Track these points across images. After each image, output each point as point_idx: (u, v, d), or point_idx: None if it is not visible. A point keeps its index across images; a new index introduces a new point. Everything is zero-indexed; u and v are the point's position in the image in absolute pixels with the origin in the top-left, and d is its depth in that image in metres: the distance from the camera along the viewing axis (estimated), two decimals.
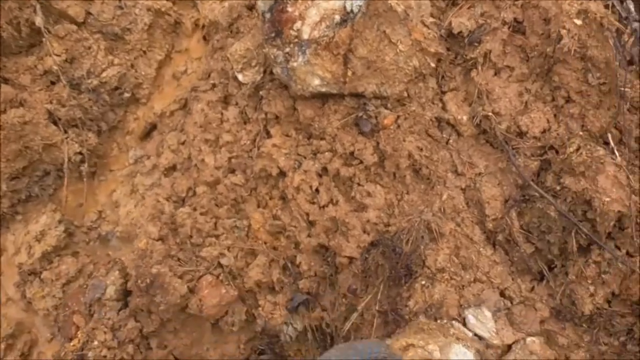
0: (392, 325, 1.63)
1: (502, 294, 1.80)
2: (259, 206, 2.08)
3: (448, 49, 2.00)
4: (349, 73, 1.85)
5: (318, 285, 2.00)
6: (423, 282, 1.67)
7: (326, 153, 1.97)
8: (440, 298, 1.61)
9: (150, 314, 1.80)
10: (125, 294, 1.88)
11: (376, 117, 1.92)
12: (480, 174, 1.88)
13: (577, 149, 1.69)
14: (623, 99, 1.68)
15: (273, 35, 1.90)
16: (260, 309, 1.91)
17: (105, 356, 1.78)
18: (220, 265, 1.91)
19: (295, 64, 1.87)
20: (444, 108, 1.95)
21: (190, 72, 2.44)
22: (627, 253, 1.64)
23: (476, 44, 1.92)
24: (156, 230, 1.88)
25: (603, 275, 1.65)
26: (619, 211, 1.62)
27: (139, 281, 1.71)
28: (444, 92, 1.99)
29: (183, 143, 2.24)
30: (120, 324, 1.81)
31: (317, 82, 1.88)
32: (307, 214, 2.00)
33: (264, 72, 2.10)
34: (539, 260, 1.83)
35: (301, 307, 1.95)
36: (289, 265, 2.00)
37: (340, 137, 1.95)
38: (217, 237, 1.97)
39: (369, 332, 1.79)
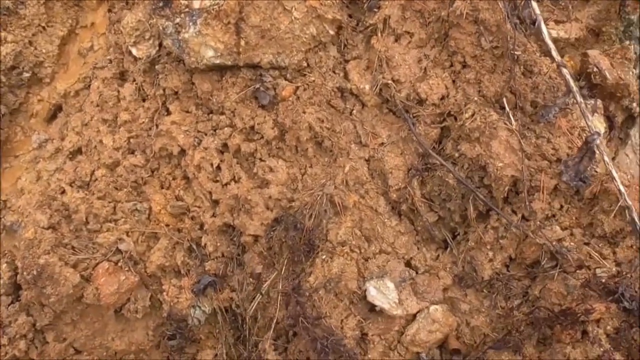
0: (294, 306, 1.59)
1: (407, 264, 1.80)
2: (162, 187, 1.99)
3: (350, 16, 1.93)
4: (242, 43, 1.77)
5: (225, 266, 1.94)
6: (324, 257, 1.63)
7: (226, 128, 1.89)
8: (339, 271, 1.58)
9: (42, 307, 1.71)
10: (16, 288, 1.77)
11: (274, 89, 1.85)
12: (383, 144, 1.85)
13: (472, 115, 1.67)
14: (516, 62, 1.66)
15: (161, 4, 1.79)
16: (165, 293, 1.84)
17: None
18: (119, 251, 1.82)
19: (186, 35, 1.78)
20: (346, 77, 1.89)
21: (97, 48, 2.28)
22: (523, 217, 1.65)
23: (375, 10, 1.87)
24: (45, 218, 1.77)
25: (500, 241, 1.66)
26: (512, 176, 1.62)
27: (25, 273, 1.61)
28: (346, 61, 1.93)
29: (86, 124, 2.11)
30: (10, 320, 1.70)
31: (210, 53, 1.79)
32: (210, 193, 1.93)
33: (159, 45, 1.99)
34: (443, 229, 1.82)
35: (209, 289, 1.89)
36: (194, 247, 1.93)
37: (240, 111, 1.87)
38: (115, 221, 1.88)
39: (274, 311, 1.75)
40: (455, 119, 1.74)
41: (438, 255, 1.81)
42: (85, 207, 1.85)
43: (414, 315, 1.69)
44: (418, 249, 1.83)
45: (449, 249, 1.81)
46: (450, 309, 1.70)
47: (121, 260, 1.82)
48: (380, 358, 1.63)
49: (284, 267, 1.76)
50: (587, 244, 1.46)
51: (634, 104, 1.86)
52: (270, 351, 1.75)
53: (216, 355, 1.98)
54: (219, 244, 1.90)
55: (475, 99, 1.71)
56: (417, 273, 1.76)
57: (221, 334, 1.97)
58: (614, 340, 1.25)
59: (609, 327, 1.28)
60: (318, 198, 1.77)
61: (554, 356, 1.32)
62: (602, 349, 1.23)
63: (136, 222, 1.89)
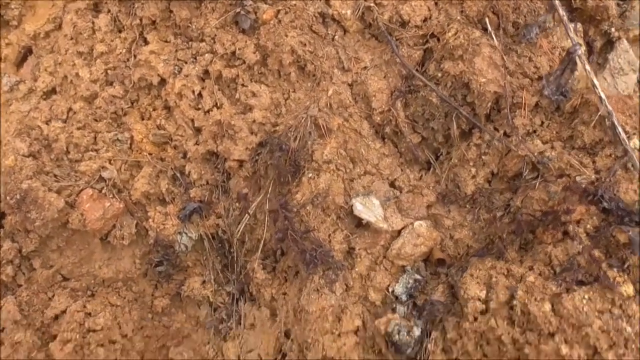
0: (282, 221, 1.60)
1: (391, 185, 1.82)
2: (142, 118, 1.98)
3: None
4: None
5: (210, 194, 1.94)
6: (310, 175, 1.65)
7: (206, 55, 1.87)
8: (326, 187, 1.60)
9: (27, 233, 1.69)
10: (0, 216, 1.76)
11: (255, 13, 1.83)
12: (366, 67, 1.85)
13: (455, 33, 1.68)
14: None
15: None
16: (150, 220, 1.84)
17: None
18: (102, 178, 1.81)
19: None
20: (327, 3, 1.87)
21: None
22: (505, 134, 1.68)
23: None
24: (25, 146, 1.74)
25: (483, 157, 1.69)
26: (495, 92, 1.64)
27: (8, 198, 1.59)
28: None
29: (60, 63, 2.06)
30: None
31: None
32: (193, 121, 1.92)
33: None
34: (426, 150, 1.85)
35: (194, 215, 1.90)
36: (178, 175, 1.92)
37: (220, 37, 1.85)
38: (97, 151, 1.87)
39: (262, 232, 1.77)
40: (438, 40, 1.75)
41: (421, 176, 1.84)
42: (65, 137, 1.82)
43: (399, 232, 1.72)
44: (402, 170, 1.85)
45: (432, 169, 1.84)
46: (434, 225, 1.73)
47: (105, 188, 1.81)
48: (367, 272, 1.66)
49: (270, 189, 1.77)
50: (567, 155, 1.50)
51: (613, 29, 1.89)
52: (259, 270, 1.78)
53: (204, 282, 2.00)
54: (203, 172, 1.90)
55: (458, 18, 1.72)
56: (400, 192, 1.78)
57: (208, 261, 1.99)
58: (594, 238, 1.30)
59: (588, 226, 1.33)
60: (302, 121, 1.77)
61: (536, 257, 1.37)
62: (581, 246, 1.28)
63: (118, 152, 1.87)
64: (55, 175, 1.75)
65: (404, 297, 1.69)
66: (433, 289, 1.66)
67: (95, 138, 1.87)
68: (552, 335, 1.28)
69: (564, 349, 1.22)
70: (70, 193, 1.73)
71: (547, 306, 1.28)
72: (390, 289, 1.70)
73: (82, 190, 1.75)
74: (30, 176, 1.67)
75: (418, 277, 1.67)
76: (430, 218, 1.76)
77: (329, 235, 1.64)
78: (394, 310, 1.70)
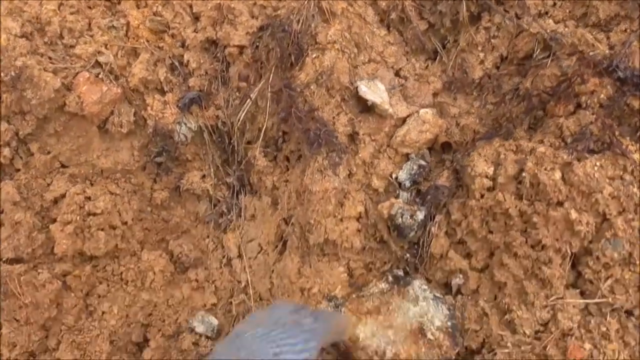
0: (285, 101, 1.56)
1: (397, 74, 1.78)
2: (138, 7, 1.89)
3: None
4: None
5: (210, 84, 1.89)
6: (314, 56, 1.60)
7: None
8: (331, 65, 1.55)
9: (24, 115, 1.64)
10: None
11: None
12: None
13: None
14: None
15: None
16: (149, 108, 1.79)
17: None
18: (98, 63, 1.74)
19: None
20: None
21: None
22: (516, 15, 1.62)
23: None
24: (17, 26, 1.66)
25: (492, 40, 1.64)
26: None
27: (3, 75, 1.53)
28: None
29: None
30: None
31: None
32: (191, 7, 1.84)
33: None
34: (433, 37, 1.79)
35: (194, 105, 1.85)
36: (177, 64, 1.86)
37: None
38: (91, 36, 1.79)
39: (263, 119, 1.73)
40: None
41: (427, 65, 1.79)
42: (58, 20, 1.74)
43: (404, 120, 1.69)
44: (407, 59, 1.80)
45: (438, 58, 1.79)
46: (440, 114, 1.70)
47: (102, 73, 1.75)
48: (370, 159, 1.63)
49: (272, 74, 1.72)
50: (581, 30, 1.45)
51: None
52: (260, 158, 1.75)
53: (204, 176, 1.97)
54: (202, 61, 1.84)
55: None
56: (406, 81, 1.74)
57: (208, 155, 1.95)
58: (607, 107, 1.27)
59: (602, 96, 1.30)
60: (305, 3, 1.70)
61: (546, 130, 1.34)
62: (594, 115, 1.25)
63: (114, 37, 1.80)
64: (49, 58, 1.68)
65: (407, 184, 1.67)
66: (438, 175, 1.65)
67: (89, 24, 1.79)
68: (561, 203, 1.27)
69: (574, 214, 1.21)
70: (67, 75, 1.67)
71: (557, 174, 1.27)
72: (393, 176, 1.68)
73: (78, 73, 1.69)
74: (24, 54, 1.60)
75: (423, 162, 1.65)
76: (437, 106, 1.73)
77: (333, 117, 1.60)
78: (397, 197, 1.68)
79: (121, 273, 1.87)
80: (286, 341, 0.88)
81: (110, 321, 1.82)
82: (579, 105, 1.34)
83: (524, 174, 1.31)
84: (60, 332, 1.77)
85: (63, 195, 1.73)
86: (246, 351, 0.84)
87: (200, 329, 1.88)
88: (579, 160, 1.25)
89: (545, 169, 1.27)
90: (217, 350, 0.93)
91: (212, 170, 1.97)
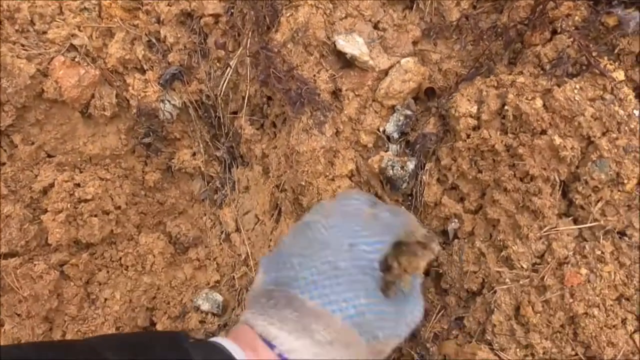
0: (264, 62, 1.54)
1: (375, 27, 1.74)
2: None
3: None
4: None
5: (190, 58, 1.87)
6: (288, 14, 1.57)
7: None
8: (305, 20, 1.53)
9: (2, 106, 1.63)
10: None
11: None
12: None
13: None
14: None
15: None
16: (130, 88, 1.77)
17: None
18: (73, 46, 1.73)
19: None
20: None
21: None
22: None
23: None
24: None
25: None
26: None
27: None
28: None
29: None
30: None
31: None
32: None
33: None
34: None
35: (176, 81, 1.84)
36: (154, 41, 1.84)
37: None
38: (64, 20, 1.77)
39: (245, 87, 1.71)
40: None
41: (405, 14, 1.75)
42: (27, 6, 1.72)
43: (386, 72, 1.66)
44: (384, 11, 1.76)
45: (415, 6, 1.75)
46: (422, 61, 1.67)
47: (78, 56, 1.73)
48: (356, 115, 1.61)
49: (249, 40, 1.69)
50: None
51: None
52: (247, 126, 1.73)
53: (194, 153, 1.96)
54: (179, 35, 1.82)
55: None
56: (384, 33, 1.71)
57: (195, 131, 1.94)
58: (583, 29, 1.24)
59: (577, 19, 1.26)
60: None
61: (525, 60, 1.31)
62: (571, 39, 1.22)
63: (87, 19, 1.78)
64: (22, 45, 1.67)
65: (395, 135, 1.64)
66: (424, 123, 1.62)
67: (60, 8, 1.77)
68: (544, 131, 1.24)
69: (558, 140, 1.19)
70: (41, 61, 1.66)
71: (539, 102, 1.24)
72: (381, 130, 1.66)
73: (53, 58, 1.67)
74: None
75: (409, 112, 1.62)
76: (417, 54, 1.70)
77: (314, 75, 1.57)
78: (386, 150, 1.66)
79: (120, 258, 1.86)
80: (361, 233, 0.85)
81: (114, 307, 1.82)
82: (554, 31, 1.31)
83: (506, 107, 1.29)
84: (64, 322, 1.78)
85: (52, 185, 1.73)
86: (318, 241, 0.80)
87: (205, 306, 1.88)
88: (558, 85, 1.22)
89: (527, 99, 1.24)
90: (284, 240, 0.87)
91: (201, 146, 1.95)
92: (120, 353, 0.63)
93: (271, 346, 0.70)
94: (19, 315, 1.77)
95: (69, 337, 1.78)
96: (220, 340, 0.70)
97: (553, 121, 1.23)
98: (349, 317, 0.71)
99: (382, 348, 0.75)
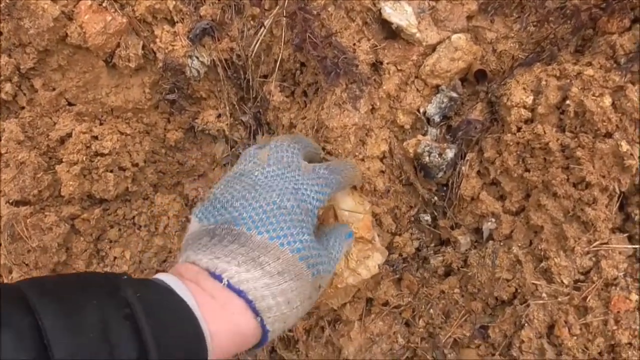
0: (300, 25, 1.40)
1: None
2: None
3: None
4: None
5: (223, 13, 1.73)
6: None
7: None
8: None
9: (24, 48, 1.53)
10: None
11: None
12: None
13: None
14: None
15: None
16: (158, 40, 1.65)
17: None
18: None
19: None
20: None
21: None
22: None
23: None
24: None
25: None
26: None
27: None
28: None
29: None
30: None
31: None
32: None
33: None
34: None
35: (206, 37, 1.70)
36: None
37: None
38: None
39: (279, 50, 1.57)
40: None
41: None
42: None
43: (434, 48, 1.50)
44: None
45: None
46: (475, 39, 1.50)
47: (105, 1, 1.61)
48: (396, 92, 1.46)
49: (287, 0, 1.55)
50: None
51: None
52: (276, 93, 1.61)
53: (219, 115, 1.84)
54: None
55: None
56: (437, 2, 1.54)
57: (223, 92, 1.82)
58: None
59: None
60: None
61: (597, 50, 1.14)
62: None
63: None
64: None
65: (437, 119, 1.50)
66: (470, 108, 1.47)
67: None
68: (610, 134, 1.08)
69: (624, 147, 1.03)
70: (67, 3, 1.55)
71: (607, 100, 1.08)
72: (421, 111, 1.51)
73: (79, 1, 1.56)
74: None
75: (454, 94, 1.47)
76: (471, 31, 1.53)
77: (354, 44, 1.43)
78: (424, 134, 1.52)
79: (133, 217, 1.78)
80: (303, 181, 0.91)
81: (123, 267, 1.75)
82: (635, 20, 1.13)
83: (567, 102, 1.13)
84: None
85: (69, 135, 1.64)
86: (261, 186, 0.84)
87: None
88: (633, 83, 1.05)
89: (593, 95, 1.08)
90: (214, 192, 0.89)
91: (227, 108, 1.84)
92: (46, 296, 0.56)
93: (219, 279, 0.69)
94: (27, 264, 1.72)
95: None
96: (159, 275, 0.68)
97: (621, 124, 1.07)
98: (297, 251, 0.75)
99: (320, 283, 0.81)
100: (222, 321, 0.64)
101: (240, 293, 0.67)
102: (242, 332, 0.67)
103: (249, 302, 0.67)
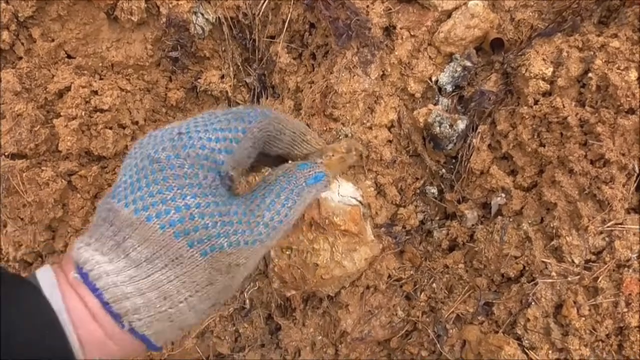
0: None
1: None
2: None
3: None
4: None
5: None
6: None
7: None
8: None
9: None
10: None
11: None
12: None
13: None
14: None
15: None
16: None
17: None
18: None
19: None
20: None
21: None
22: None
23: None
24: None
25: None
26: None
27: None
28: None
29: None
30: None
31: None
32: None
33: None
34: None
35: None
36: None
37: None
38: None
39: (288, 9, 1.50)
40: None
41: None
42: None
43: (449, 14, 1.44)
44: None
45: None
46: (492, 6, 1.44)
47: None
48: (408, 58, 1.40)
49: None
50: None
51: None
52: (283, 54, 1.54)
53: (222, 76, 1.78)
54: None
55: None
56: None
57: (227, 52, 1.75)
58: None
59: None
60: None
61: (623, 21, 1.08)
62: None
63: None
64: None
65: (449, 88, 1.44)
66: (485, 79, 1.41)
67: None
68: (633, 110, 1.03)
69: None
70: None
71: (633, 75, 1.02)
72: (433, 79, 1.45)
73: None
74: None
75: (468, 63, 1.41)
76: None
77: (367, 6, 1.37)
78: (436, 104, 1.47)
79: None
80: (196, 122, 0.62)
81: None
82: None
83: (589, 75, 1.07)
84: (67, 233, 1.68)
85: (68, 88, 1.58)
86: (144, 142, 0.60)
87: None
88: None
89: (618, 68, 1.03)
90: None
91: (231, 69, 1.77)
92: None
93: (82, 275, 0.53)
94: (22, 219, 1.68)
95: (70, 249, 1.68)
96: (41, 269, 0.54)
97: None
98: (171, 224, 0.53)
99: (232, 261, 0.56)
100: (88, 329, 0.52)
101: (95, 291, 0.52)
102: (100, 340, 0.52)
103: (105, 304, 0.52)
